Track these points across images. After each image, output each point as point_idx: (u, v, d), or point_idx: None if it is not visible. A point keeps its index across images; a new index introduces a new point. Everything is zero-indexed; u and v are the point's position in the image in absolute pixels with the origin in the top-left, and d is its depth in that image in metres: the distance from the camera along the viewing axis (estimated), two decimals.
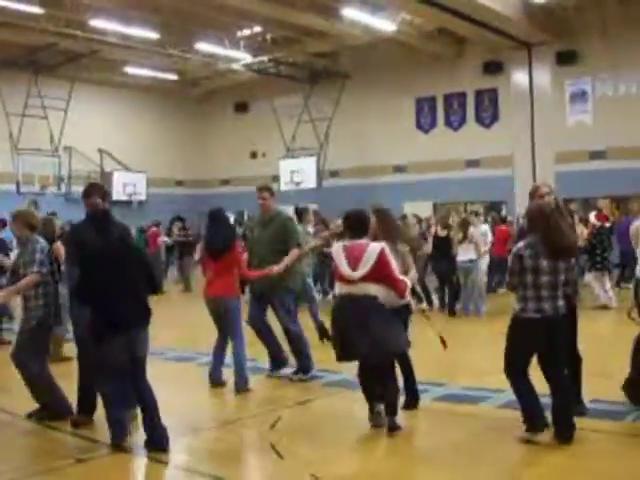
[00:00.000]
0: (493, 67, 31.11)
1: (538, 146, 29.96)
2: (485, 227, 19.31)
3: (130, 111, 38.31)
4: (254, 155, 39.04)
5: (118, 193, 37.24)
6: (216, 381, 10.23)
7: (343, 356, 8.02)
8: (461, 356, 12.12)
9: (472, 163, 31.41)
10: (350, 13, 27.10)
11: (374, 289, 7.77)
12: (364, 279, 7.73)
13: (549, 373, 7.56)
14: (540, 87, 30.08)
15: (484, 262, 17.96)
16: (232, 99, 39.44)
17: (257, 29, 30.65)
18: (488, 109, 31.77)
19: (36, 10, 26.90)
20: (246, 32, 30.89)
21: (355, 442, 7.88)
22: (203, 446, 7.97)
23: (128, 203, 36.69)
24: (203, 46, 31.41)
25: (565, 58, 29.13)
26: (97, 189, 8.78)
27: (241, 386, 9.94)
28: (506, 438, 7.60)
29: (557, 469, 6.90)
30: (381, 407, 8.09)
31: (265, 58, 33.11)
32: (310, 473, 6.70)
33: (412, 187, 31.88)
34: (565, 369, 7.77)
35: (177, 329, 16.20)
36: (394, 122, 33.47)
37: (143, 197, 37.83)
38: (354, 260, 7.77)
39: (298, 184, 35.11)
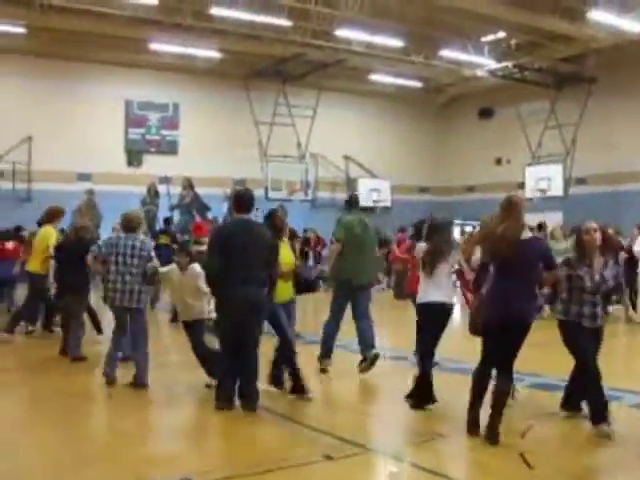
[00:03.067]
0: None
1: None
2: None
3: (375, 118, 38.82)
4: (499, 162, 38.61)
5: (363, 199, 37.65)
6: None
7: None
8: None
9: None
10: (596, 15, 26.30)
11: None
12: None
13: None
14: None
15: None
16: (476, 105, 39.14)
17: (501, 34, 30.30)
18: None
19: (284, 23, 27.80)
20: (490, 38, 30.63)
21: (607, 457, 7.70)
22: (452, 451, 7.99)
23: (372, 209, 37.10)
24: (447, 53, 31.42)
25: None
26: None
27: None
28: None
29: None
30: None
31: (509, 64, 32.67)
32: None
33: None
34: None
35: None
36: None
37: (388, 203, 38.10)
38: None
39: (544, 191, 34.42)
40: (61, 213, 15.23)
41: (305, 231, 30.23)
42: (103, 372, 10.66)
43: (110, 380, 10.58)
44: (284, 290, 9.85)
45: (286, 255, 9.93)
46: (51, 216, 15.01)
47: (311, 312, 20.28)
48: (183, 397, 10.07)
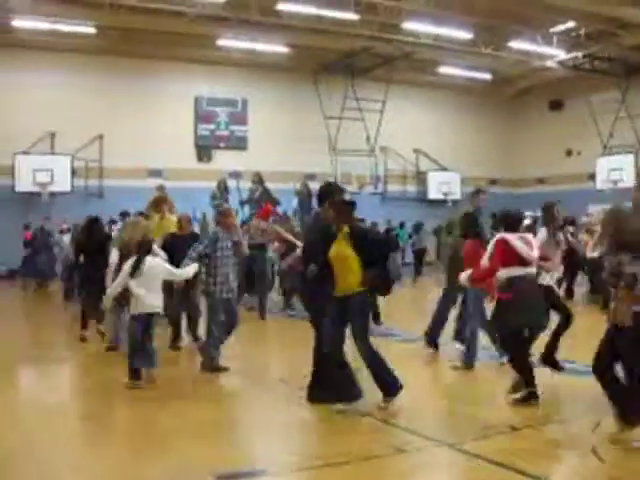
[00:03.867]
0: None
1: None
2: None
3: (444, 111, 38.71)
4: (569, 153, 38.15)
5: (433, 192, 37.80)
6: None
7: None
8: None
9: None
10: None
11: None
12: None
13: None
14: None
15: None
16: (546, 97, 38.67)
17: (570, 24, 29.79)
18: None
19: (352, 16, 27.80)
20: (559, 28, 30.19)
21: None
22: (522, 444, 7.80)
23: (443, 202, 37.06)
24: (516, 44, 31.17)
25: None
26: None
27: None
28: None
29: None
30: None
31: (579, 54, 32.29)
32: None
33: None
34: None
35: None
36: None
37: (457, 196, 37.91)
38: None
39: (616, 183, 33.94)
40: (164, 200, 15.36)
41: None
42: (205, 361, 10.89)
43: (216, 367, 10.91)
44: (338, 283, 9.14)
45: (336, 247, 9.12)
46: (157, 204, 15.11)
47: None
48: (260, 389, 10.19)
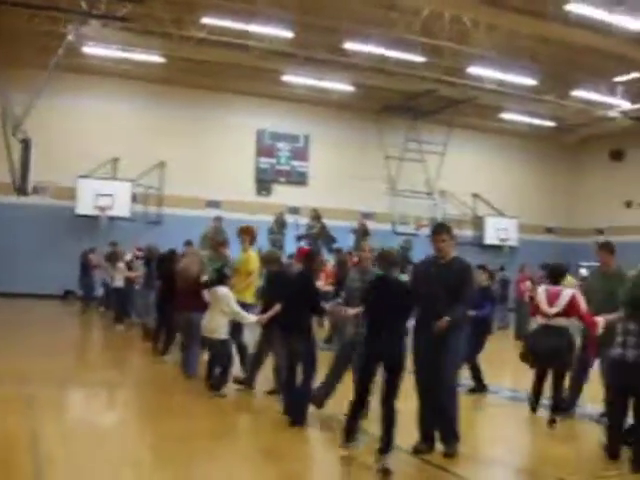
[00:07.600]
0: None
1: None
2: None
3: (504, 157, 38.64)
4: (629, 205, 37.70)
5: (490, 238, 37.66)
6: None
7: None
8: None
9: None
10: None
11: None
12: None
13: None
14: None
15: None
16: (607, 146, 38.25)
17: (635, 75, 29.63)
18: None
19: (417, 59, 27.95)
20: (623, 78, 30.08)
21: None
22: None
23: (499, 248, 36.97)
24: (579, 92, 31.04)
25: None
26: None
27: None
28: None
29: None
30: None
31: None
32: None
33: None
34: None
35: None
36: None
37: (515, 243, 37.87)
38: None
39: None
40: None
41: None
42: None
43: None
44: None
45: None
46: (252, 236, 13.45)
47: None
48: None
